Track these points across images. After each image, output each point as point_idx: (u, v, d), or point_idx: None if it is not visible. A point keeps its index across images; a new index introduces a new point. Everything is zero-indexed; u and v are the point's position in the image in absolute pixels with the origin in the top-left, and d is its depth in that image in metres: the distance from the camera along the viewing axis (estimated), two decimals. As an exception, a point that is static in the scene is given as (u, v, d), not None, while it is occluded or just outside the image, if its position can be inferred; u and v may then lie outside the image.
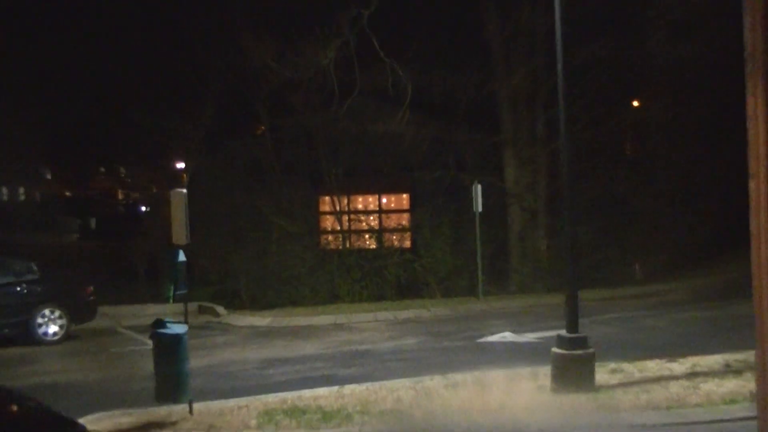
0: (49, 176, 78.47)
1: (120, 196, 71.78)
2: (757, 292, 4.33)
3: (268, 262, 35.72)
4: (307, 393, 17.79)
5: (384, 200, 39.41)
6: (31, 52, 37.62)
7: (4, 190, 74.29)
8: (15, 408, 6.06)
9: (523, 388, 17.15)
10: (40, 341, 27.28)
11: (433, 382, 18.19)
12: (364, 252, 37.74)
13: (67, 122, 50.36)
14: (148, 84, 40.30)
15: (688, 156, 35.26)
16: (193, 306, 27.72)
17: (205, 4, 35.30)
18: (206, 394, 17.39)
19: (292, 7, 33.00)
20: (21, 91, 40.31)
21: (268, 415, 16.03)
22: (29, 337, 27.26)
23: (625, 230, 35.67)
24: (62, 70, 41.26)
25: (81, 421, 15.73)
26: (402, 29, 32.40)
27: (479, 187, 32.24)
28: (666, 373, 17.74)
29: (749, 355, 16.88)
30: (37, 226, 59.63)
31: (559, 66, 17.42)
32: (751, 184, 4.29)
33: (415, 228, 37.73)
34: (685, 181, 35.26)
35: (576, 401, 15.95)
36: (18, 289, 27.65)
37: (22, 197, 77.34)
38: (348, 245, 38.28)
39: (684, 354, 19.04)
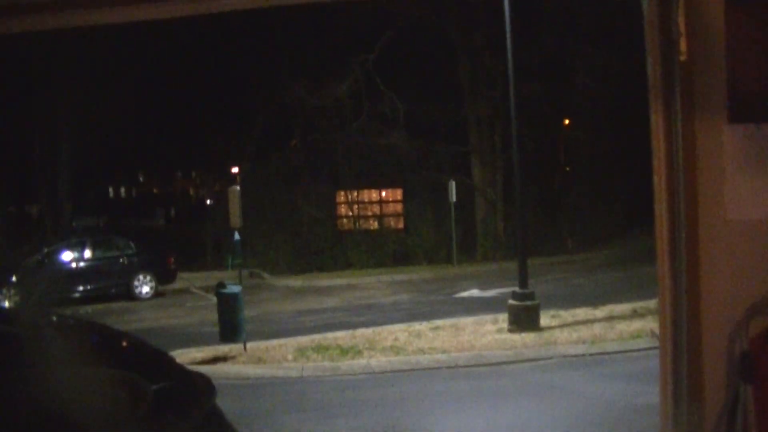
0: (142, 179, 78.74)
1: (192, 193, 71.82)
2: (660, 257, 4.32)
3: (300, 239, 35.73)
4: (329, 335, 17.81)
5: (384, 194, 39.37)
6: (130, 93, 37.79)
7: (111, 189, 74.77)
8: (125, 343, 6.07)
9: (487, 330, 17.19)
10: (137, 298, 27.68)
11: (421, 326, 18.21)
12: (369, 232, 37.73)
13: (155, 140, 50.54)
14: (214, 112, 40.37)
15: (605, 159, 35.28)
16: (245, 272, 27.68)
17: (256, 52, 35.36)
18: (256, 336, 17.39)
19: (317, 53, 33.09)
20: (125, 117, 40.47)
21: (301, 351, 16.07)
22: (129, 294, 27.75)
23: (560, 215, 35.67)
24: (152, 104, 41.38)
25: (165, 355, 15.81)
26: (397, 69, 32.40)
27: (453, 183, 32.25)
28: (590, 317, 17.78)
29: (651, 303, 16.92)
30: (135, 214, 59.88)
31: (512, 97, 17.54)
32: (655, 178, 4.29)
33: (406, 214, 37.73)
34: (604, 178, 35.28)
35: (526, 338, 16.01)
36: (121, 260, 28.29)
37: (124, 194, 77.84)
38: (357, 227, 38.29)
39: (604, 303, 19.08)
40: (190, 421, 5.30)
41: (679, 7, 4.10)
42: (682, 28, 4.10)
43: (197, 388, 5.64)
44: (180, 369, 6.20)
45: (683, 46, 4.10)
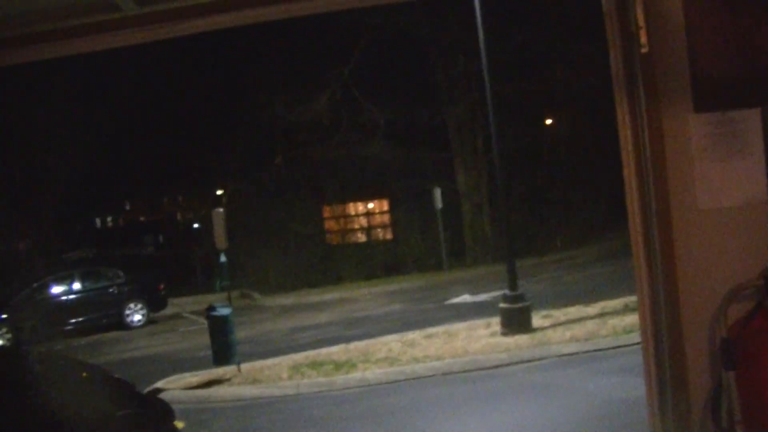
0: (128, 207, 78.56)
1: (179, 218, 71.63)
2: (635, 250, 4.36)
3: (289, 257, 35.73)
4: (323, 350, 17.82)
5: (370, 205, 39.43)
6: (111, 121, 38.00)
7: (98, 220, 74.59)
8: (85, 374, 6.17)
9: (480, 334, 17.19)
10: (129, 326, 27.78)
11: (415, 335, 18.20)
12: (357, 244, 37.85)
13: (139, 167, 50.60)
14: (195, 134, 40.41)
15: (587, 155, 35.30)
16: (236, 293, 27.74)
17: (231, 72, 35.37)
18: (250, 356, 17.40)
19: (293, 69, 33.00)
20: (106, 145, 40.57)
21: (296, 368, 16.06)
22: (121, 324, 27.85)
23: (546, 213, 35.68)
24: (133, 131, 41.57)
25: (160, 382, 15.92)
26: (374, 78, 32.37)
27: (438, 190, 32.31)
28: (583, 314, 17.76)
29: (642, 297, 16.90)
30: (123, 243, 59.71)
31: (488, 98, 17.59)
32: (624, 171, 4.33)
33: (394, 223, 37.79)
34: (587, 174, 35.29)
35: (519, 341, 16.00)
36: (111, 290, 28.36)
37: (110, 224, 77.64)
38: (345, 240, 38.36)
39: (595, 300, 19.04)
40: None
41: (637, -1, 4.13)
42: (641, 20, 4.13)
43: (157, 413, 5.82)
44: (140, 396, 6.40)
45: (643, 38, 4.13)
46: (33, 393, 4.80)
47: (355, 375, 15.04)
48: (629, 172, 4.29)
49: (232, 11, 4.58)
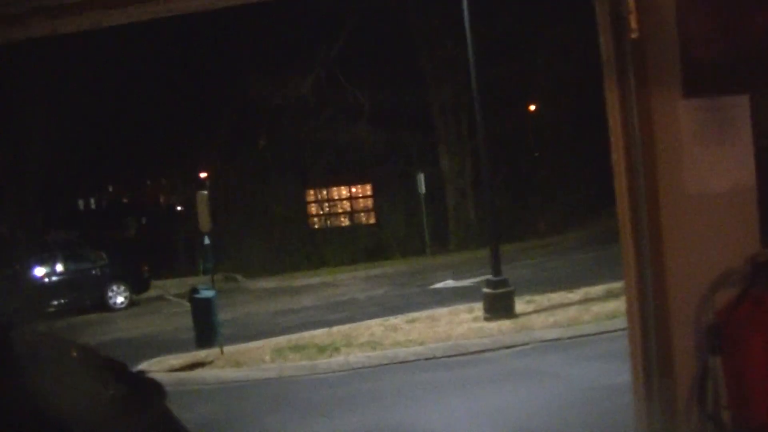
0: (110, 189, 78.24)
1: (162, 200, 71.48)
2: (623, 235, 4.36)
3: (272, 240, 35.71)
4: (306, 334, 17.82)
5: (353, 189, 39.43)
6: (94, 101, 37.76)
7: (81, 202, 74.14)
8: (75, 353, 6.08)
9: (463, 319, 17.23)
10: (112, 308, 27.65)
11: (397, 319, 18.22)
12: (341, 228, 37.87)
13: (122, 149, 50.35)
14: (179, 116, 40.21)
15: (574, 138, 35.30)
16: (219, 276, 27.71)
17: (216, 53, 35.21)
18: (233, 339, 17.38)
19: (278, 51, 32.90)
20: (89, 127, 40.40)
21: (278, 351, 16.07)
22: (104, 305, 27.66)
23: (531, 198, 35.75)
24: (116, 112, 41.32)
25: (143, 364, 15.86)
26: (359, 61, 32.34)
27: (422, 175, 32.33)
28: (566, 300, 17.84)
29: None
30: (106, 225, 59.48)
31: (473, 84, 17.52)
32: (613, 156, 4.33)
33: (377, 208, 37.81)
34: (571, 160, 35.34)
35: (502, 326, 16.03)
36: (93, 272, 28.26)
37: (93, 206, 77.23)
38: (329, 224, 38.38)
39: (578, 286, 19.09)
40: (143, 424, 5.38)
41: (628, -17, 4.12)
42: (631, 4, 4.13)
43: (148, 392, 5.73)
44: (130, 375, 6.30)
45: (634, 23, 4.13)
46: (18, 371, 4.74)
47: (338, 359, 15.05)
48: (618, 157, 4.29)
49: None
